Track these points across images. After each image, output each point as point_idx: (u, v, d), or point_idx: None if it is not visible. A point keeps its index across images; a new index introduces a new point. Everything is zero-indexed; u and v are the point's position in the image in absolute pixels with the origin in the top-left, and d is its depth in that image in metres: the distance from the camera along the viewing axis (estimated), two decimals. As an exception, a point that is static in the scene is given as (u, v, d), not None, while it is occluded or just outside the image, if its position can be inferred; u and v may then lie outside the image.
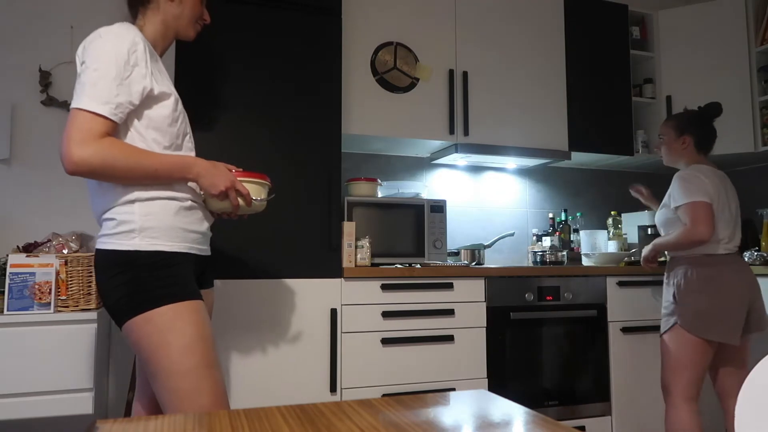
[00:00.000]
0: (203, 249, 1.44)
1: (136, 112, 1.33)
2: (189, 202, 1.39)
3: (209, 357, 1.29)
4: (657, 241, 2.31)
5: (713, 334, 2.07)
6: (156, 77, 1.38)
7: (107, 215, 1.33)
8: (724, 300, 2.07)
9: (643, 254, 2.43)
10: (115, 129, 1.29)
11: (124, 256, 1.28)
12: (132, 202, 1.31)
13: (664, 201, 2.28)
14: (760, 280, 2.56)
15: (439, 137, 2.67)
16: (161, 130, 1.36)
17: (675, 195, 2.18)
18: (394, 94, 2.61)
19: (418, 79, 2.66)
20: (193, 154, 1.48)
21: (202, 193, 1.41)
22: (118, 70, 1.28)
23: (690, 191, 2.13)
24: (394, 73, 2.62)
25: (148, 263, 1.28)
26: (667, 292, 2.22)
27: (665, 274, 2.29)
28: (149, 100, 1.34)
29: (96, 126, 1.24)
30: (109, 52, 1.29)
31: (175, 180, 1.34)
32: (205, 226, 1.44)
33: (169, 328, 1.26)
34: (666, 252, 2.35)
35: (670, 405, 2.14)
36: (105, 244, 1.32)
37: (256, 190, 1.45)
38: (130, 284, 1.27)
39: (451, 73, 2.70)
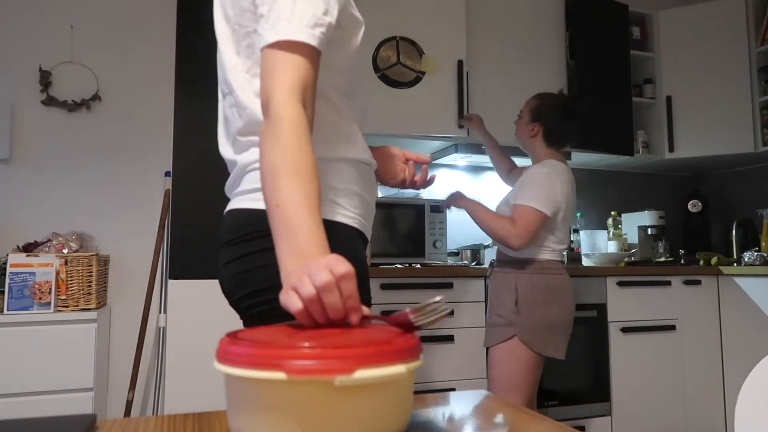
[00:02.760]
0: None
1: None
2: None
3: None
4: (476, 207, 2.00)
5: (550, 349, 1.88)
6: None
7: None
8: (566, 312, 1.92)
9: (450, 194, 2.11)
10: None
11: None
12: None
13: (511, 192, 2.04)
14: (760, 281, 2.57)
15: (447, 131, 2.62)
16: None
17: (523, 192, 1.92)
18: (397, 90, 2.57)
19: (423, 73, 2.60)
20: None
21: None
22: None
23: (539, 196, 1.88)
24: (398, 68, 2.57)
25: None
26: (506, 298, 1.94)
27: (492, 274, 2.07)
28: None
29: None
30: None
31: None
32: None
33: None
34: (499, 249, 2.07)
35: None
36: None
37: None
38: None
39: (460, 63, 2.66)
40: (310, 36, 0.83)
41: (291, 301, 0.65)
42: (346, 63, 0.98)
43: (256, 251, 0.91)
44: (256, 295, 0.91)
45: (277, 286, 0.72)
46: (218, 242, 0.99)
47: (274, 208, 0.77)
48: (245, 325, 0.95)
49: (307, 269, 0.65)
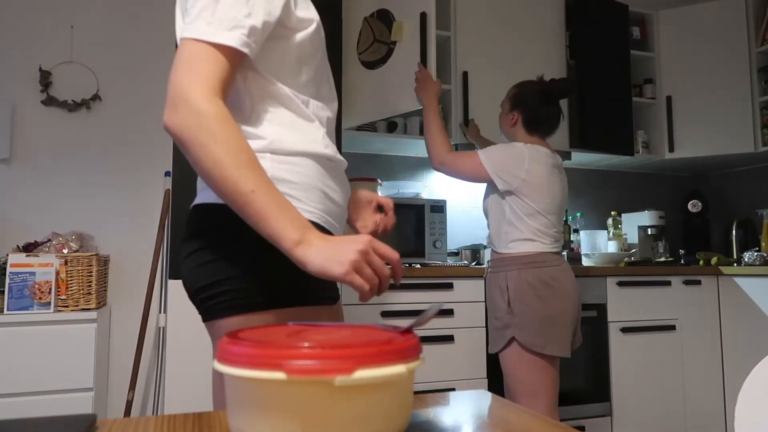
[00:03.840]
0: None
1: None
2: None
3: None
4: (431, 117, 2.00)
5: (553, 347, 1.78)
6: None
7: None
8: (565, 305, 1.81)
9: (422, 81, 2.07)
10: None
11: None
12: None
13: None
14: (760, 281, 2.57)
15: (415, 106, 2.24)
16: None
17: (485, 149, 1.95)
18: (374, 71, 2.35)
19: (394, 42, 2.28)
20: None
21: None
22: None
23: (490, 155, 1.89)
24: (375, 46, 2.32)
25: None
26: (498, 299, 1.91)
27: (486, 276, 2.05)
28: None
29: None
30: None
31: None
32: None
33: None
34: (492, 249, 2.03)
35: None
36: None
37: None
38: None
39: (423, 16, 2.23)
40: (228, 38, 0.85)
41: (357, 281, 0.78)
42: (298, 60, 0.98)
43: (203, 248, 0.91)
44: (206, 289, 0.90)
45: (222, 281, 0.83)
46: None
47: (248, 194, 0.79)
48: (203, 319, 0.94)
49: (348, 254, 0.77)
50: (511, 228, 1.91)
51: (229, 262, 0.84)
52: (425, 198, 2.64)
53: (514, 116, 1.99)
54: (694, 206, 3.35)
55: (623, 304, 2.59)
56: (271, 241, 0.81)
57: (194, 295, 0.94)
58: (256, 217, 0.80)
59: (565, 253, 2.00)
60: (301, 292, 0.90)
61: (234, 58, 0.87)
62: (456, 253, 2.86)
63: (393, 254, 0.82)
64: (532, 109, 1.97)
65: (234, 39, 0.85)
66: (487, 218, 2.05)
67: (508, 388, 1.90)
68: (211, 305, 0.91)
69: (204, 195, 0.93)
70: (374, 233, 1.12)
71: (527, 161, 1.87)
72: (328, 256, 0.78)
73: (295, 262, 0.80)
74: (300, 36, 0.97)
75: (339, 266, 0.78)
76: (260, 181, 0.80)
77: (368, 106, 2.40)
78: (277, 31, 0.92)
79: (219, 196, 0.82)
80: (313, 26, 1.00)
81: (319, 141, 0.99)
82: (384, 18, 2.35)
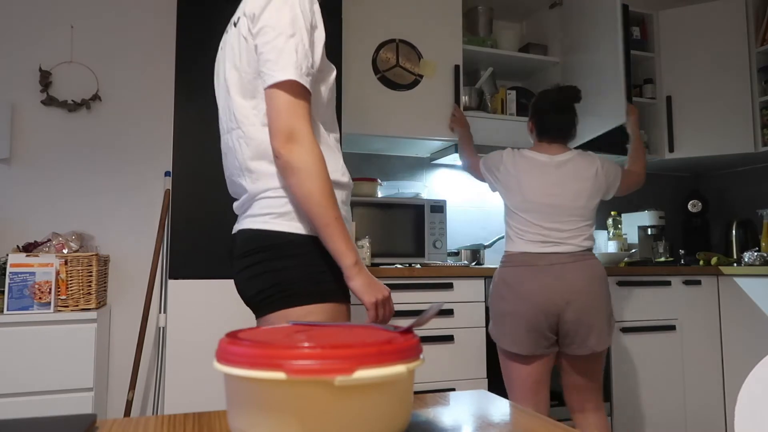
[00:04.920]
0: None
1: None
2: None
3: None
4: (464, 140, 2.48)
5: (507, 342, 1.88)
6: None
7: None
8: (520, 305, 1.85)
9: (455, 115, 2.59)
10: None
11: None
12: None
13: None
14: (760, 281, 2.57)
15: (443, 135, 2.65)
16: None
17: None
18: (396, 92, 2.60)
19: (421, 76, 2.64)
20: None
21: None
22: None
23: (488, 158, 2.12)
24: (397, 70, 2.60)
25: None
26: None
27: None
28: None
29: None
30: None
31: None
32: None
33: None
34: None
35: None
36: None
37: None
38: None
39: (456, 68, 2.70)
40: (306, 81, 1.09)
41: (374, 311, 1.15)
42: (327, 99, 1.21)
43: (265, 260, 1.14)
44: (264, 291, 1.14)
45: (279, 284, 1.12)
46: (231, 254, 1.23)
47: (333, 219, 1.09)
48: (256, 315, 1.19)
49: (380, 291, 1.15)
50: (505, 226, 2.07)
51: (278, 275, 1.14)
52: (425, 198, 2.64)
53: (530, 125, 2.12)
54: (694, 206, 3.35)
55: (623, 304, 2.59)
56: (335, 256, 1.11)
57: (251, 298, 1.17)
58: (332, 237, 1.10)
59: (535, 245, 1.92)
60: (346, 291, 1.19)
61: (309, 98, 1.11)
62: (456, 253, 2.86)
63: (391, 313, 1.19)
64: (542, 117, 2.06)
65: (308, 83, 1.10)
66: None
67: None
68: (263, 303, 1.15)
69: (261, 222, 1.16)
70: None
71: (503, 163, 2.03)
72: (367, 283, 1.13)
73: (346, 274, 1.12)
74: (329, 78, 1.21)
75: (370, 295, 1.13)
76: (338, 210, 1.10)
77: (386, 121, 2.58)
78: (316, 76, 1.16)
79: (307, 213, 1.10)
80: (333, 68, 1.23)
81: (340, 170, 1.21)
82: (411, 48, 2.63)
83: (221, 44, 1.28)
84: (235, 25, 1.20)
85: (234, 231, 1.24)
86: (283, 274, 1.13)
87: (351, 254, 1.11)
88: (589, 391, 1.97)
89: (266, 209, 1.15)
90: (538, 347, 1.87)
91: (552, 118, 2.03)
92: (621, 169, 2.10)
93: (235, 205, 1.26)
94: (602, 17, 2.56)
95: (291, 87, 1.08)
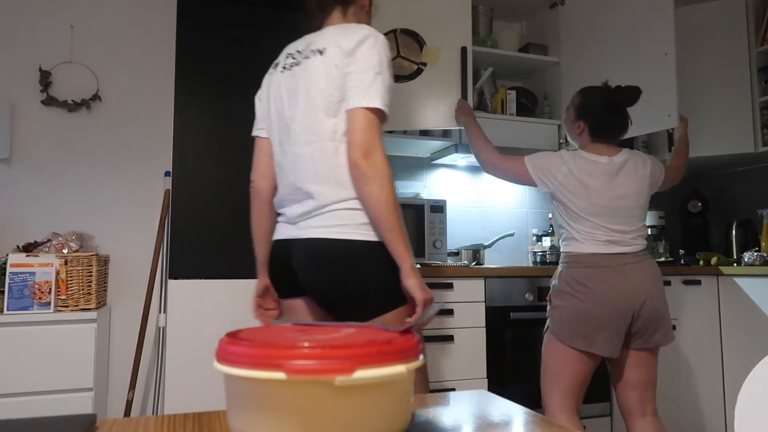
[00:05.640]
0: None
1: None
2: None
3: None
4: (473, 131, 2.19)
5: (581, 343, 1.84)
6: None
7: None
8: (597, 306, 1.83)
9: (459, 106, 2.37)
10: None
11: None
12: None
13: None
14: (760, 281, 2.57)
15: (449, 124, 2.50)
16: None
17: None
18: (397, 84, 2.50)
19: (425, 64, 2.50)
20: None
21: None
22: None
23: (535, 159, 1.99)
24: (397, 61, 2.49)
25: None
26: (550, 292, 2.03)
27: None
28: None
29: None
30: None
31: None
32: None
33: None
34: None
35: (548, 416, 1.92)
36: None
37: None
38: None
39: (463, 51, 2.55)
40: (387, 110, 1.35)
41: (422, 307, 1.33)
42: None
43: (354, 269, 1.34)
44: (356, 298, 1.35)
45: (369, 290, 1.35)
46: (299, 261, 1.38)
47: (395, 227, 1.31)
48: (333, 315, 1.38)
49: (428, 292, 1.34)
50: (562, 228, 1.99)
51: (385, 275, 1.35)
52: (425, 198, 2.64)
53: (581, 126, 2.01)
54: (694, 206, 3.35)
55: (623, 304, 2.59)
56: (398, 257, 1.31)
57: (328, 298, 1.37)
58: (397, 240, 1.31)
59: (610, 247, 1.90)
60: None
61: (383, 123, 1.36)
62: (456, 253, 2.86)
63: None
64: (598, 118, 1.99)
65: (388, 111, 1.35)
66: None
67: (541, 369, 1.98)
68: (342, 303, 1.35)
69: (337, 233, 1.34)
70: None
71: (564, 165, 1.93)
72: (420, 283, 1.33)
73: (405, 274, 1.32)
74: None
75: (423, 294, 1.32)
76: (399, 223, 1.32)
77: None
78: None
79: (376, 218, 1.31)
80: None
81: None
82: (411, 37, 2.50)
83: (287, 64, 1.47)
84: (321, 53, 1.38)
85: (295, 237, 1.39)
86: (371, 281, 1.34)
87: (410, 256, 1.32)
88: (649, 387, 1.94)
89: (345, 220, 1.34)
90: (613, 347, 1.85)
91: (611, 119, 1.98)
92: (663, 165, 2.10)
93: (293, 210, 1.42)
94: (646, 17, 2.56)
95: (374, 112, 1.32)
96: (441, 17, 2.55)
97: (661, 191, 2.13)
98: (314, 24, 1.53)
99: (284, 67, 1.48)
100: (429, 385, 1.56)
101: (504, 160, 2.05)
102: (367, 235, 1.34)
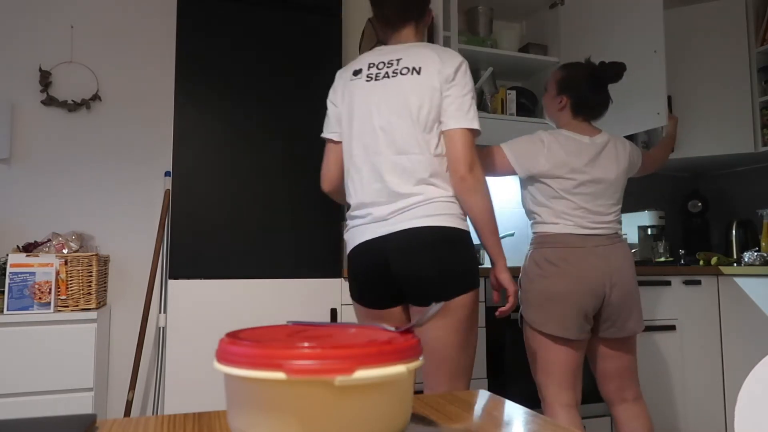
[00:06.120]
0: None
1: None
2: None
3: None
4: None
5: (552, 327, 1.78)
6: None
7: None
8: (569, 285, 1.78)
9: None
10: None
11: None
12: None
13: None
14: (760, 281, 2.57)
15: None
16: None
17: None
18: None
19: None
20: None
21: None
22: None
23: (513, 145, 1.90)
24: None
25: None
26: (520, 276, 1.96)
27: None
28: None
29: None
30: None
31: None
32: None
33: None
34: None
35: (547, 414, 1.86)
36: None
37: None
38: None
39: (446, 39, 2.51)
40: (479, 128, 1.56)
41: (515, 288, 1.60)
42: None
43: (453, 251, 1.51)
44: (457, 273, 1.51)
45: (468, 270, 1.53)
46: (398, 249, 1.50)
47: (494, 231, 1.55)
48: (417, 297, 1.53)
49: (515, 284, 1.60)
50: (535, 211, 1.94)
51: (473, 258, 1.55)
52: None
53: (563, 100, 1.96)
54: (694, 206, 3.35)
55: (623, 304, 2.59)
56: (495, 254, 1.58)
57: (438, 281, 1.49)
58: (495, 241, 1.56)
59: (581, 227, 1.85)
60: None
61: None
62: (456, 253, 2.86)
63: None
64: (581, 93, 1.94)
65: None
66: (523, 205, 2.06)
67: (529, 364, 1.92)
68: (449, 283, 1.50)
69: (462, 223, 1.55)
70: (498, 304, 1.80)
71: (546, 149, 1.87)
72: (510, 278, 1.59)
73: (500, 268, 1.59)
74: None
75: (513, 285, 1.58)
76: (496, 226, 1.57)
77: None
78: None
79: (481, 221, 1.53)
80: None
81: None
82: None
83: (374, 74, 1.58)
84: (417, 72, 1.53)
85: (390, 232, 1.51)
86: (462, 262, 1.51)
87: (503, 253, 1.58)
88: (627, 376, 1.91)
89: (443, 210, 1.51)
90: (583, 331, 1.81)
91: (593, 94, 1.94)
92: (641, 152, 2.08)
93: (382, 210, 1.53)
94: (638, 16, 2.55)
95: (473, 132, 1.54)
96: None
97: (635, 177, 2.11)
98: (382, 33, 1.68)
99: (369, 77, 1.58)
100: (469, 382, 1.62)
101: (482, 156, 1.93)
102: (462, 224, 1.53)
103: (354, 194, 1.59)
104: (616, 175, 1.92)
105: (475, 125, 1.52)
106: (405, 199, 1.50)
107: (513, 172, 1.94)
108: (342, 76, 1.66)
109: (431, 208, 1.49)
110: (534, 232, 1.95)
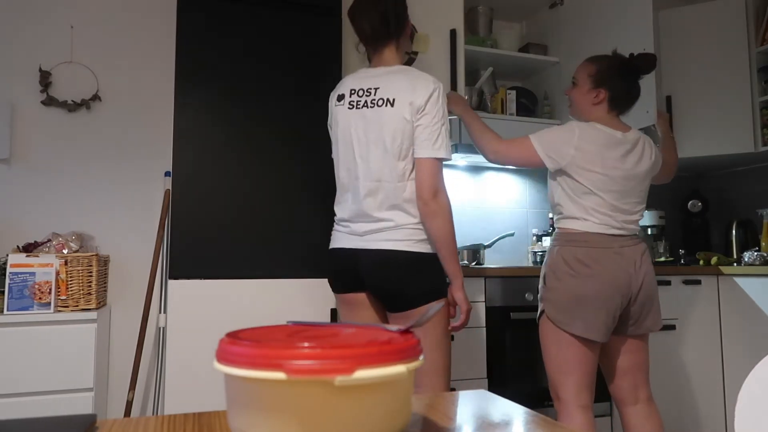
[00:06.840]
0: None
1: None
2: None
3: None
4: (470, 120, 1.99)
5: (579, 327, 1.75)
6: None
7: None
8: (600, 287, 1.75)
9: (450, 97, 1.99)
10: None
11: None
12: None
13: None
14: (760, 281, 2.57)
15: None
16: None
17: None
18: None
19: (416, 53, 2.46)
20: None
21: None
22: None
23: (542, 135, 1.86)
24: None
25: None
26: (542, 273, 1.92)
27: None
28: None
29: None
30: None
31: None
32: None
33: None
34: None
35: (563, 414, 1.83)
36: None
37: None
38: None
39: (452, 33, 2.53)
40: (450, 156, 1.65)
41: (466, 316, 1.74)
42: None
43: (418, 270, 1.65)
44: (423, 290, 1.65)
45: (433, 284, 1.67)
46: (368, 266, 1.66)
47: (453, 252, 1.66)
48: (399, 309, 1.66)
49: (470, 303, 1.74)
50: (562, 206, 1.88)
51: (437, 277, 1.69)
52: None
53: (600, 93, 1.90)
54: (694, 206, 3.35)
55: (623, 304, 2.59)
56: (452, 273, 1.68)
57: (408, 297, 1.64)
58: (453, 262, 1.66)
59: (612, 226, 1.83)
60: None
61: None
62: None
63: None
64: (619, 86, 1.89)
65: (450, 154, 1.67)
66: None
67: (545, 361, 1.88)
68: (419, 301, 1.64)
69: (424, 246, 1.67)
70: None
71: (576, 139, 1.82)
72: (466, 297, 1.72)
73: (456, 287, 1.69)
74: None
75: (467, 304, 1.71)
76: (455, 249, 1.68)
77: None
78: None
79: (442, 244, 1.64)
80: None
81: None
82: None
83: (354, 102, 1.69)
84: (391, 104, 1.62)
85: (362, 247, 1.67)
86: (433, 279, 1.66)
87: (461, 274, 1.70)
88: (641, 374, 1.89)
89: (412, 236, 1.64)
90: (609, 332, 1.79)
91: (631, 87, 1.90)
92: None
93: (360, 227, 1.69)
94: (631, 16, 2.55)
95: (440, 161, 1.62)
96: (430, 2, 2.49)
97: (653, 184, 2.08)
98: (365, 48, 1.77)
99: (351, 104, 1.69)
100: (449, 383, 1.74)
101: (507, 145, 1.92)
102: (426, 248, 1.65)
103: (338, 210, 1.77)
104: (645, 174, 1.89)
105: (441, 154, 1.61)
106: (377, 223, 1.65)
107: (538, 164, 1.89)
108: (332, 99, 1.79)
109: (400, 233, 1.64)
110: (559, 227, 1.90)
